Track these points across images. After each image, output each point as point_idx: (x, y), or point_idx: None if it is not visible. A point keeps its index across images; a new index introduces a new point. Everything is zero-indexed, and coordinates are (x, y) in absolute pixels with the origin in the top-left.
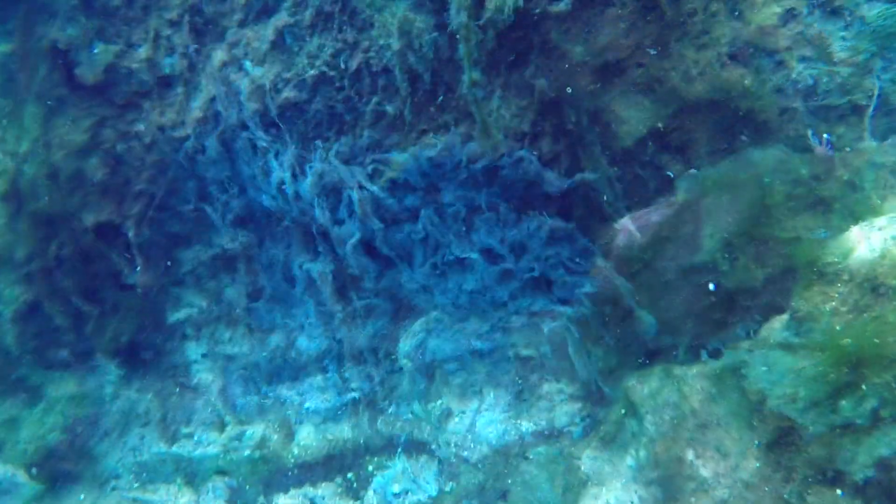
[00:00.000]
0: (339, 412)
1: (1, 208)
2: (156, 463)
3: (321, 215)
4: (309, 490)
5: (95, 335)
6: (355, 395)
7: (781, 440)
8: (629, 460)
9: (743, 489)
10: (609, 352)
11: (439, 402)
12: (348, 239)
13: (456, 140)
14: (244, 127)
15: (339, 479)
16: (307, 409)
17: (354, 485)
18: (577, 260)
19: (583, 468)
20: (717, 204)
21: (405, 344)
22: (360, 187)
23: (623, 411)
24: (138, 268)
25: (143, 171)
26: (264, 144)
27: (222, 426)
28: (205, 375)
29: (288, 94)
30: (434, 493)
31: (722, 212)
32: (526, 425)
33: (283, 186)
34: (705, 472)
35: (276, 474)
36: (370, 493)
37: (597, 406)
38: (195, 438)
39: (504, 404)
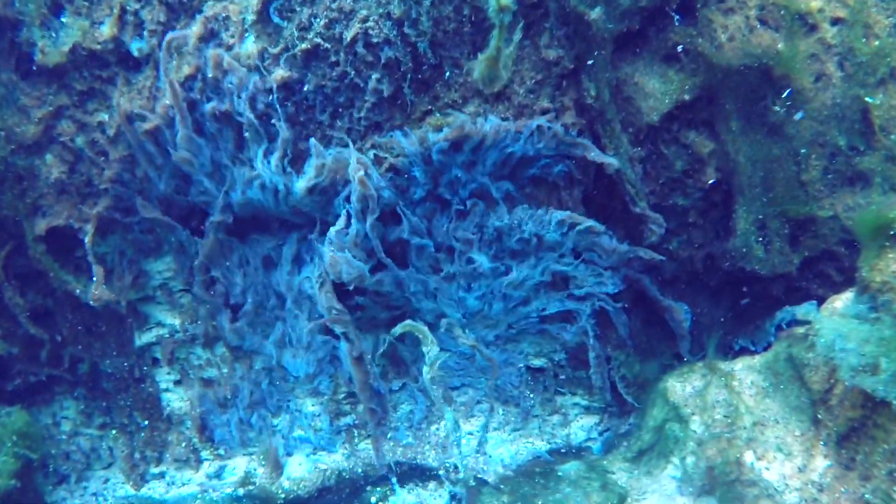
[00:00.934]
0: (333, 439)
1: None
2: None
3: (315, 211)
4: None
5: (51, 363)
6: (351, 419)
7: (854, 433)
8: (671, 470)
9: (815, 492)
10: (631, 356)
11: (443, 423)
12: (344, 238)
13: (466, 121)
14: (225, 113)
15: None
16: (296, 437)
17: None
18: (598, 253)
19: (620, 482)
20: (750, 182)
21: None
22: (364, 174)
23: (660, 416)
24: (94, 280)
25: (106, 168)
26: (250, 132)
27: (198, 462)
28: (178, 405)
29: (278, 72)
30: None
31: (756, 190)
32: (539, 444)
33: (272, 180)
34: (769, 476)
35: None
36: None
37: (616, 418)
38: (167, 479)
39: (514, 421)
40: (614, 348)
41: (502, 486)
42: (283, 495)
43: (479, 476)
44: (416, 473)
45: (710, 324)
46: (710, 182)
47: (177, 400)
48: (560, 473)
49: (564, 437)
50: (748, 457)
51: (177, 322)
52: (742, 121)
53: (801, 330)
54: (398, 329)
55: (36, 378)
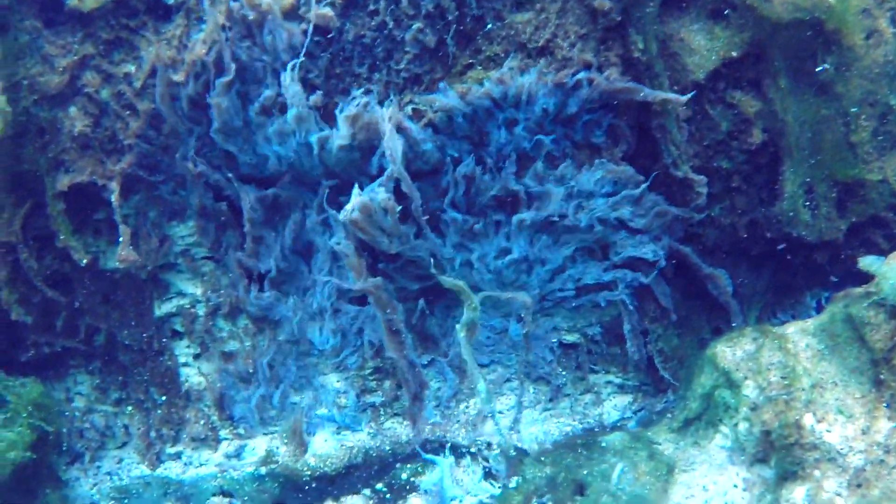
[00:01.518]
0: (357, 417)
1: None
2: (139, 488)
3: (351, 172)
4: None
5: (66, 334)
6: (377, 397)
7: None
8: (720, 439)
9: (882, 454)
10: (669, 330)
11: (473, 401)
12: (377, 197)
13: (507, 73)
14: (259, 65)
15: (367, 492)
16: (319, 415)
17: (388, 496)
18: (641, 217)
19: (666, 453)
20: (798, 144)
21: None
22: (399, 129)
23: (708, 383)
24: (120, 241)
25: (132, 121)
26: (282, 86)
27: (217, 442)
28: (197, 380)
29: (324, 11)
30: (498, 493)
31: (803, 152)
32: (571, 423)
33: (305, 137)
34: (831, 439)
35: (291, 490)
36: (414, 501)
37: (651, 397)
38: (183, 459)
39: (545, 401)
40: (652, 321)
41: (543, 458)
42: (308, 472)
43: (520, 447)
44: (444, 451)
45: (750, 295)
46: (757, 143)
47: (196, 375)
48: (604, 444)
49: (597, 417)
50: (808, 419)
51: (198, 291)
52: (790, 79)
53: (859, 289)
54: (447, 282)
55: (50, 349)
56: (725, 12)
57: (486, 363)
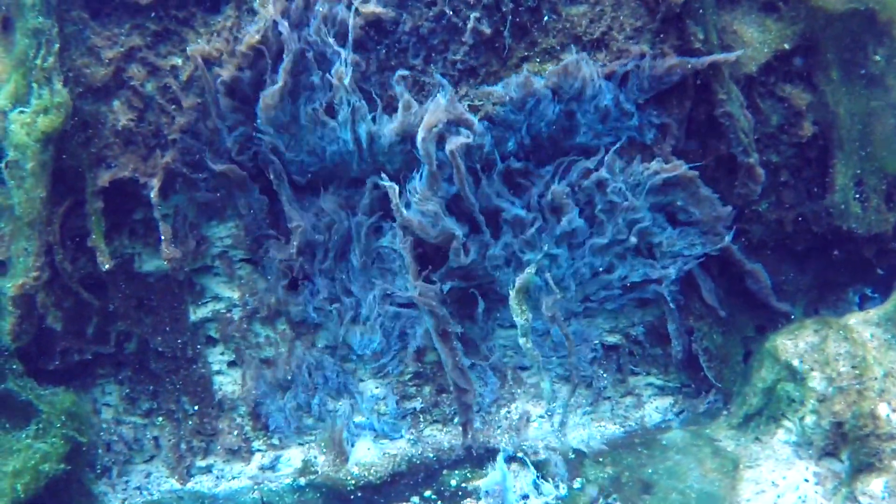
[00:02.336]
0: (397, 425)
1: (39, 152)
2: (171, 502)
3: (400, 166)
4: None
5: (97, 340)
6: (418, 403)
7: None
8: (783, 434)
9: None
10: (714, 328)
11: (514, 405)
12: (433, 196)
13: (570, 63)
14: (314, 56)
15: (415, 499)
16: (357, 423)
17: (438, 503)
18: (694, 212)
19: (728, 449)
20: (849, 136)
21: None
22: (458, 122)
23: (770, 377)
24: (161, 239)
25: (178, 116)
26: (333, 78)
27: (250, 453)
28: (230, 389)
29: (373, 8)
30: (564, 494)
31: (854, 144)
32: (611, 427)
33: (355, 130)
34: None
35: (334, 500)
36: None
37: (692, 398)
38: (214, 472)
39: (586, 404)
40: (696, 319)
41: (601, 459)
42: (352, 482)
43: (577, 448)
44: (489, 456)
45: (794, 291)
46: (807, 136)
47: (230, 383)
48: (665, 442)
49: (638, 420)
50: (882, 409)
51: (235, 295)
52: (841, 71)
53: None
54: (522, 280)
55: (80, 357)
56: (777, 4)
57: (527, 366)
